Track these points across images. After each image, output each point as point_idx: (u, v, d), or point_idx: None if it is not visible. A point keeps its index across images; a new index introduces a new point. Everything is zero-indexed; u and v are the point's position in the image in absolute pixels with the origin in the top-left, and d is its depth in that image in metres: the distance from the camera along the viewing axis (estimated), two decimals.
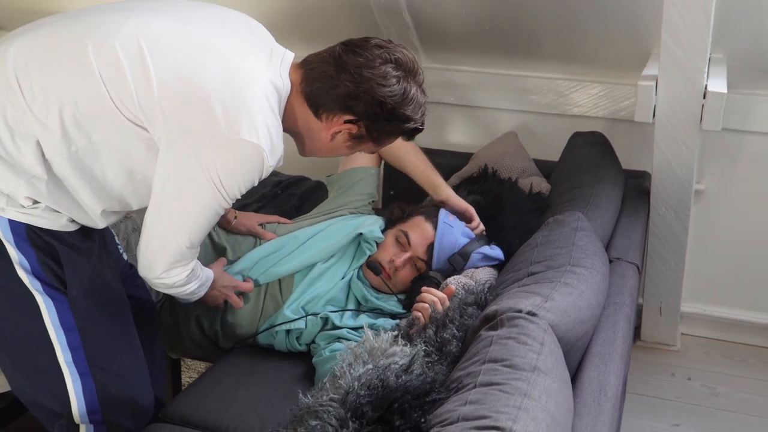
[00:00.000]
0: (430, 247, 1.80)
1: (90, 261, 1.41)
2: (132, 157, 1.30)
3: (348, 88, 1.37)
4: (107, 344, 1.44)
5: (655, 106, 1.83)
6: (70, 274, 1.36)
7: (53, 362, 1.37)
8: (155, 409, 1.58)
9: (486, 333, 1.23)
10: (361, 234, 1.84)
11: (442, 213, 1.85)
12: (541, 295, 1.32)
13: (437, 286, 1.73)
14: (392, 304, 1.78)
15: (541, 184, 2.15)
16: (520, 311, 1.25)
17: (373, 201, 2.04)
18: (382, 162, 2.07)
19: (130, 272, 1.62)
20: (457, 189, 2.14)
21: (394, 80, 1.38)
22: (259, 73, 1.33)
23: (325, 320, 1.73)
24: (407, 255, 1.80)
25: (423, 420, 1.10)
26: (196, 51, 1.29)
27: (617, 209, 1.97)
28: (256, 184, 1.35)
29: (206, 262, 1.82)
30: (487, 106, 2.54)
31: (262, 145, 1.28)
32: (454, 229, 1.82)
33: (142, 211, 1.40)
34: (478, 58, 2.45)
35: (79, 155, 1.27)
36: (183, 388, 1.98)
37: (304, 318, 1.72)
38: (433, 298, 1.53)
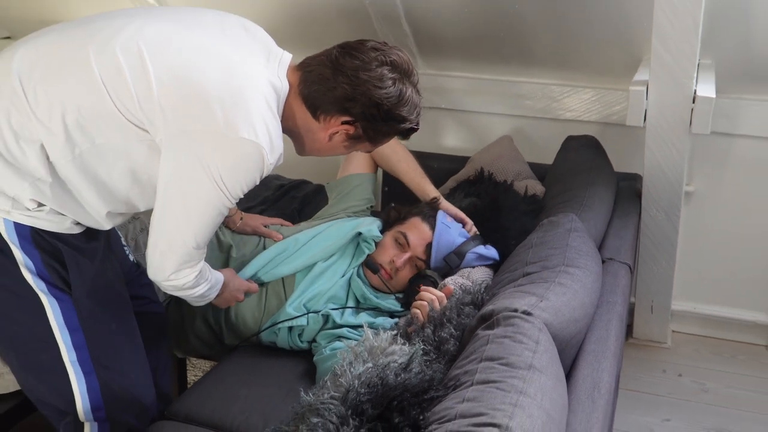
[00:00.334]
0: (428, 247, 1.80)
1: (94, 262, 1.40)
2: (135, 159, 1.29)
3: (345, 90, 1.36)
4: (110, 343, 1.43)
5: (645, 110, 1.83)
6: (74, 275, 1.35)
7: (58, 361, 1.37)
8: (163, 405, 1.58)
9: (483, 332, 1.23)
10: (360, 233, 1.85)
11: (441, 214, 1.85)
12: (536, 294, 1.32)
13: (434, 284, 1.73)
14: (390, 303, 1.78)
15: (536, 187, 2.15)
16: (515, 310, 1.24)
17: (371, 206, 2.04)
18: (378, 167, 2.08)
19: (136, 272, 1.62)
20: (454, 191, 2.14)
21: (390, 82, 1.37)
22: (258, 73, 1.32)
23: (326, 318, 1.73)
24: (407, 255, 1.80)
25: (421, 417, 1.10)
26: (195, 52, 1.28)
27: (610, 211, 1.96)
28: (258, 182, 1.34)
29: (213, 259, 1.83)
30: (482, 110, 2.54)
31: (261, 143, 1.26)
32: (452, 230, 1.82)
33: (149, 212, 1.38)
34: (474, 64, 2.45)
35: (83, 158, 1.27)
36: (189, 386, 1.98)
37: (306, 315, 1.72)
38: (431, 296, 1.53)
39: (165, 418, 1.54)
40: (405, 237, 1.81)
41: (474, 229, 1.90)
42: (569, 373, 1.31)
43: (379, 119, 1.40)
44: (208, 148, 1.25)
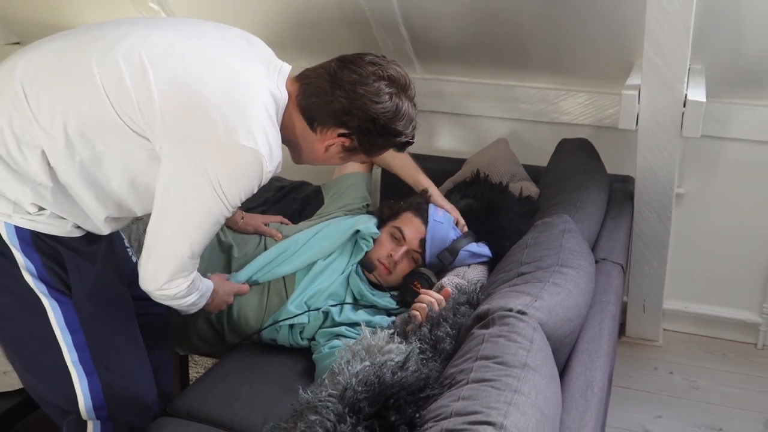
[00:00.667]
0: (423, 240, 1.80)
1: (95, 265, 1.39)
2: (135, 166, 1.28)
3: (342, 103, 1.35)
4: (111, 344, 1.42)
5: (638, 114, 1.83)
6: (74, 278, 1.34)
7: (60, 362, 1.35)
8: (165, 403, 1.57)
9: (478, 331, 1.22)
10: (358, 231, 1.84)
11: (432, 209, 1.84)
12: (530, 294, 1.31)
13: (428, 281, 1.74)
14: (386, 300, 1.78)
15: (531, 189, 2.14)
16: (510, 310, 1.23)
17: (367, 204, 2.04)
18: (374, 166, 2.09)
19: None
20: (450, 193, 2.13)
21: (386, 97, 1.36)
22: (258, 83, 1.31)
23: (326, 315, 1.73)
24: (404, 248, 1.80)
25: (417, 415, 1.09)
26: (196, 61, 1.27)
27: (603, 212, 1.95)
28: (255, 190, 1.32)
29: (214, 259, 1.83)
30: (479, 114, 2.54)
31: (260, 151, 1.25)
32: (444, 225, 1.83)
33: (149, 215, 1.37)
34: (471, 69, 2.45)
35: (84, 164, 1.25)
36: (191, 383, 1.97)
37: (307, 313, 1.71)
38: (431, 299, 1.53)
39: (166, 415, 1.53)
40: (400, 231, 1.82)
41: (462, 221, 1.89)
42: (563, 372, 1.30)
43: (375, 133, 1.39)
44: (208, 155, 1.24)
